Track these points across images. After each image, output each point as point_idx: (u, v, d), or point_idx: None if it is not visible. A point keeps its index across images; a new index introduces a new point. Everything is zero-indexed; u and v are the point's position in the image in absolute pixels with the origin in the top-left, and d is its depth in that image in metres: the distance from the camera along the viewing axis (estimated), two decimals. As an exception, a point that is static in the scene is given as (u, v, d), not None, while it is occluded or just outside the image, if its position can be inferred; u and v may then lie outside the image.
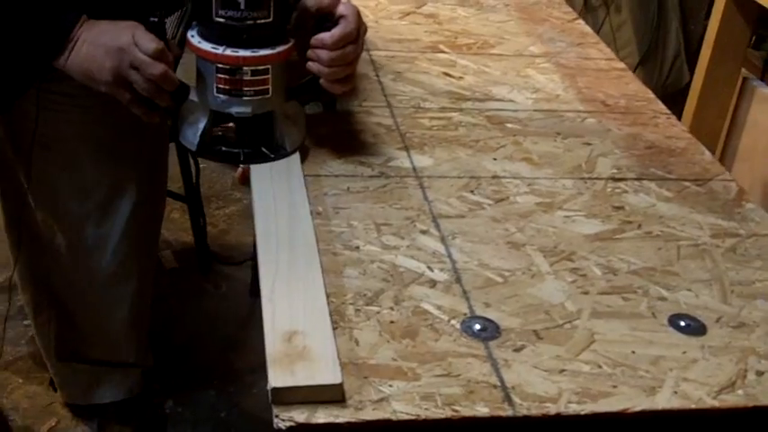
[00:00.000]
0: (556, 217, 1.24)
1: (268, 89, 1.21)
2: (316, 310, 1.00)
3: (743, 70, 2.50)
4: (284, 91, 1.25)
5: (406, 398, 0.91)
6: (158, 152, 1.65)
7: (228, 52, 1.17)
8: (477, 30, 1.85)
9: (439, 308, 1.05)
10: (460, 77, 1.63)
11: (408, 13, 1.90)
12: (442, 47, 1.75)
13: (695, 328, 1.06)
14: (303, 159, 1.29)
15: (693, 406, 0.94)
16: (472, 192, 1.28)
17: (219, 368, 2.17)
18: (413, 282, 1.08)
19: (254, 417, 2.04)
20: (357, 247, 1.13)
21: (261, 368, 2.15)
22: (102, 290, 1.65)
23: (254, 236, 2.28)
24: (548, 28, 1.91)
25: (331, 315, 1.00)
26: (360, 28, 1.22)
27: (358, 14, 1.23)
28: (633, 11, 3.23)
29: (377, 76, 1.60)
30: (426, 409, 0.90)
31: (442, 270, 1.11)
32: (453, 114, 1.50)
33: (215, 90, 1.21)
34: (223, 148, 1.26)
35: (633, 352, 1.01)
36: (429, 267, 1.11)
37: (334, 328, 0.98)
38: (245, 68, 1.18)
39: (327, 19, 1.22)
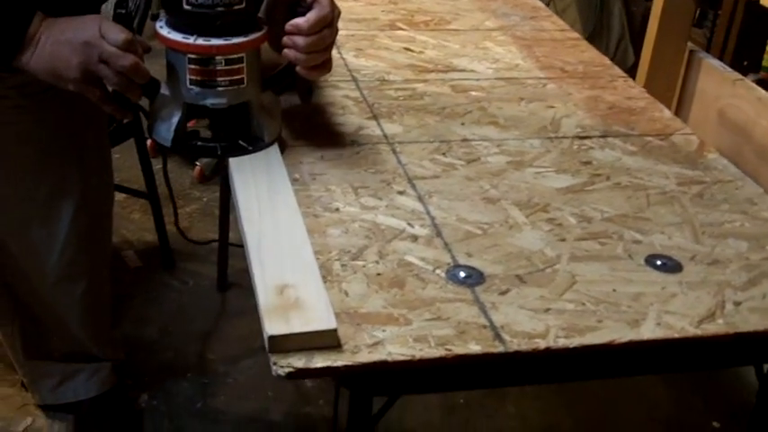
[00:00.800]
0: (527, 174, 1.27)
1: (243, 78, 1.16)
2: (304, 264, 1.01)
3: (689, 44, 2.56)
4: (259, 80, 1.21)
5: (400, 341, 0.93)
6: (101, 151, 1.63)
7: (200, 41, 1.12)
8: (432, 8, 1.88)
9: (423, 259, 1.07)
10: (421, 52, 1.66)
11: (364, -4, 1.93)
12: (399, 24, 1.78)
13: (671, 266, 1.09)
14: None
15: (677, 335, 0.97)
16: (444, 154, 1.31)
17: (192, 360, 2.16)
18: (395, 237, 1.10)
19: (229, 405, 2.04)
20: (337, 209, 1.15)
21: (233, 359, 2.16)
22: (54, 288, 1.64)
23: (218, 231, 2.29)
24: (500, 4, 1.94)
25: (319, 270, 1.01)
26: (334, 11, 1.18)
27: None
28: (577, -5, 3.29)
29: (339, 52, 1.62)
30: (420, 349, 0.92)
31: (422, 226, 1.13)
32: (418, 85, 1.52)
33: (188, 82, 1.15)
34: (199, 143, 1.21)
35: (614, 290, 1.04)
36: (409, 224, 1.13)
37: (323, 283, 0.99)
38: (218, 58, 1.14)
39: (300, 4, 1.16)
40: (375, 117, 1.40)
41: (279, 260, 1.01)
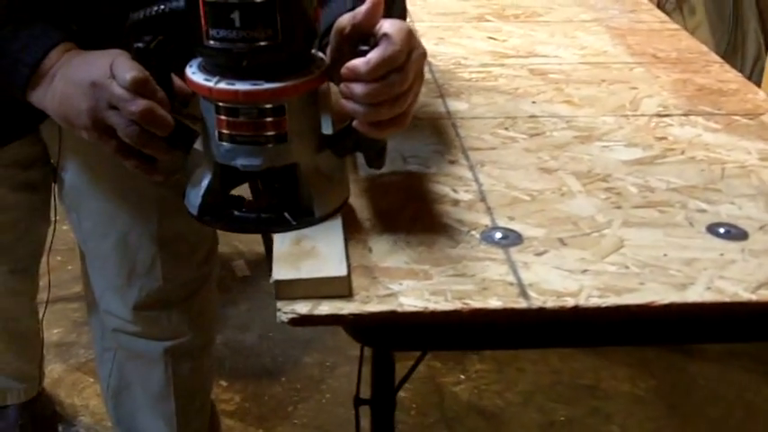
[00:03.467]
0: (593, 147, 1.20)
1: (285, 134, 0.91)
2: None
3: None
4: (313, 137, 0.95)
5: (415, 294, 0.87)
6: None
7: (222, 85, 0.88)
8: (525, 2, 1.83)
9: (459, 221, 1.01)
10: (505, 40, 1.61)
11: (457, -7, 1.90)
12: (488, 17, 1.74)
13: (736, 234, 0.99)
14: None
15: (727, 300, 0.88)
16: (506, 129, 1.25)
17: (288, 366, 2.16)
18: (435, 201, 1.05)
19: (320, 411, 2.01)
20: (380, 175, 1.11)
21: (330, 366, 2.14)
22: None
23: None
24: (600, -1, 1.87)
25: (346, 228, 0.97)
26: (412, 51, 0.87)
27: (408, 33, 0.87)
28: (708, 12, 3.15)
29: (419, 41, 1.59)
30: (435, 302, 0.86)
31: (466, 192, 1.08)
32: (494, 69, 1.47)
33: (217, 136, 0.92)
34: (235, 213, 0.97)
35: (665, 255, 0.95)
36: (453, 189, 1.08)
37: (348, 240, 0.96)
38: (248, 107, 0.89)
39: (366, 41, 0.88)
40: (442, 96, 1.36)
41: (303, 215, 0.98)
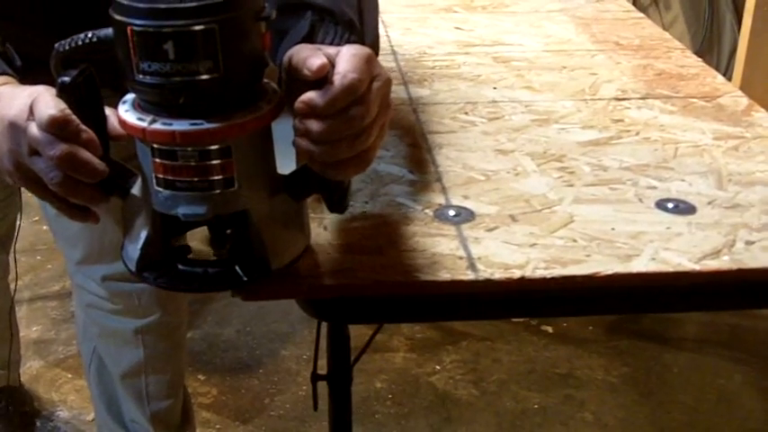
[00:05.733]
0: (550, 129, 1.22)
1: (232, 178, 0.79)
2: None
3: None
4: (265, 180, 0.84)
5: (366, 268, 0.89)
6: None
7: (157, 126, 0.76)
8: (494, -6, 1.85)
9: (414, 200, 1.03)
10: (471, 30, 1.63)
11: (426, -14, 1.92)
12: (455, 8, 1.76)
13: (684, 209, 1.02)
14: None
15: (671, 270, 0.90)
16: (466, 113, 1.27)
17: (266, 359, 2.17)
18: (392, 182, 1.07)
19: (297, 402, 2.03)
20: (339, 157, 1.13)
21: (307, 359, 2.15)
22: None
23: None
24: (568, -10, 1.89)
25: (302, 208, 0.99)
26: (373, 79, 0.76)
27: (369, 58, 0.76)
28: (684, 7, 3.18)
29: (386, 32, 1.61)
30: (387, 276, 0.88)
31: (423, 173, 1.10)
32: (458, 57, 1.49)
33: (155, 182, 0.80)
34: (179, 267, 0.86)
35: (613, 228, 0.97)
36: (410, 171, 1.10)
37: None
38: (186, 149, 0.77)
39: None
40: (405, 83, 1.38)
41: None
